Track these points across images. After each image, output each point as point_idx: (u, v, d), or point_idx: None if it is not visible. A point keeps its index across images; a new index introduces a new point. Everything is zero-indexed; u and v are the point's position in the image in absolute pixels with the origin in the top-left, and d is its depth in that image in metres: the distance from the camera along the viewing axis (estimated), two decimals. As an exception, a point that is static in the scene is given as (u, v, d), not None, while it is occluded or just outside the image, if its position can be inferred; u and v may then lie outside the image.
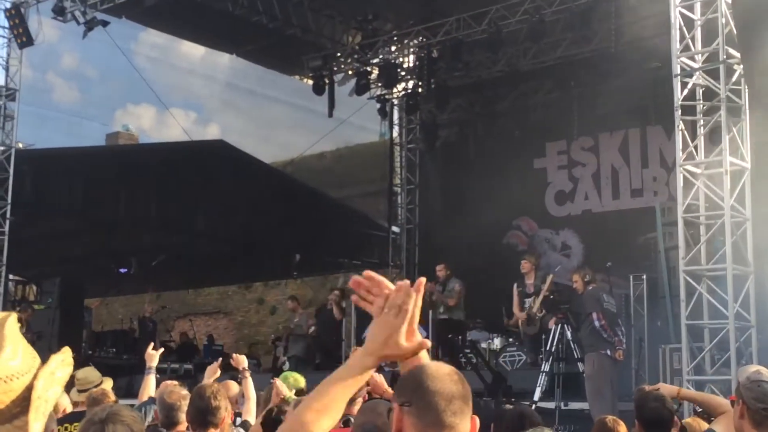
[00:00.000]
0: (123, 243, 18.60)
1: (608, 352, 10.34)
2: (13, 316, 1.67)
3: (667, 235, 11.81)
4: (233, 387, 6.53)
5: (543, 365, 11.08)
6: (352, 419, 4.76)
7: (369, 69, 16.80)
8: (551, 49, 15.46)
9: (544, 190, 17.03)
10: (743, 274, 9.39)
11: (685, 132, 9.70)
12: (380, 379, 5.72)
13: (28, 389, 1.62)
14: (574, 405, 10.61)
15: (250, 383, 6.31)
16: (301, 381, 6.37)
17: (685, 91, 9.69)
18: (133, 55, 20.37)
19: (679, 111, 9.65)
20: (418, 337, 2.04)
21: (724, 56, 9.47)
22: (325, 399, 2.00)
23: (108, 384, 6.68)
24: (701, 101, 9.71)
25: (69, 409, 6.12)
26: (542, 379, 10.85)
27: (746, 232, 9.46)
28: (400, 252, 18.56)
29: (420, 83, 17.37)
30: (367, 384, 5.88)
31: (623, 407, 8.66)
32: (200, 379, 6.43)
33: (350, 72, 17.08)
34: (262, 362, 18.16)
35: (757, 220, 9.47)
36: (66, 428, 5.55)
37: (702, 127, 9.70)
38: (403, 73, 17.27)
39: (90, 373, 6.78)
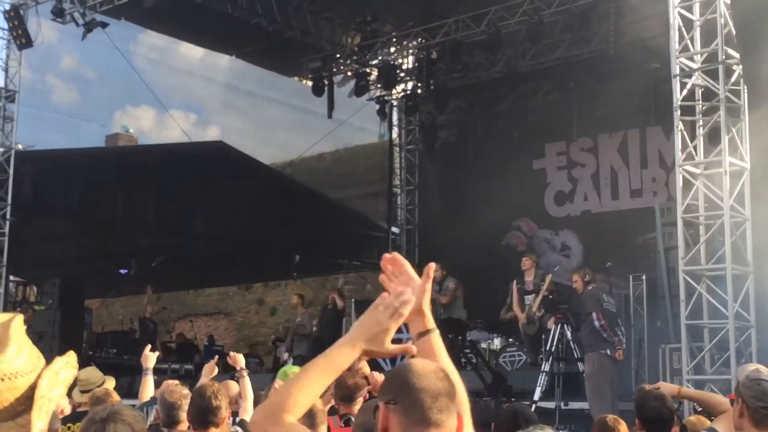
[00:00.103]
0: (121, 244, 18.61)
1: (608, 351, 10.36)
2: (19, 317, 1.68)
3: (666, 236, 11.83)
4: (233, 387, 6.53)
5: (543, 365, 11.10)
6: (353, 418, 4.76)
7: (368, 70, 16.80)
8: (550, 50, 15.46)
9: (543, 190, 17.04)
10: (743, 274, 9.40)
11: (685, 132, 9.70)
12: (381, 378, 5.72)
13: (32, 388, 1.63)
14: (574, 405, 10.63)
15: (247, 382, 6.30)
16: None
17: (684, 92, 9.69)
18: (133, 57, 20.36)
19: (679, 111, 9.65)
20: (430, 320, 2.12)
21: (723, 57, 9.47)
22: (303, 380, 2.11)
23: (111, 383, 6.68)
24: (700, 101, 9.72)
25: (67, 410, 6.11)
26: (542, 379, 10.86)
27: (746, 232, 9.46)
28: (400, 253, 18.46)
29: (419, 84, 17.38)
30: (368, 383, 5.89)
31: (623, 407, 8.67)
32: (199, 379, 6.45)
33: (349, 73, 17.07)
34: (264, 362, 18.18)
35: (757, 220, 9.47)
36: (69, 428, 5.55)
37: (701, 128, 9.70)
38: (402, 75, 17.25)
39: (92, 373, 6.77)
